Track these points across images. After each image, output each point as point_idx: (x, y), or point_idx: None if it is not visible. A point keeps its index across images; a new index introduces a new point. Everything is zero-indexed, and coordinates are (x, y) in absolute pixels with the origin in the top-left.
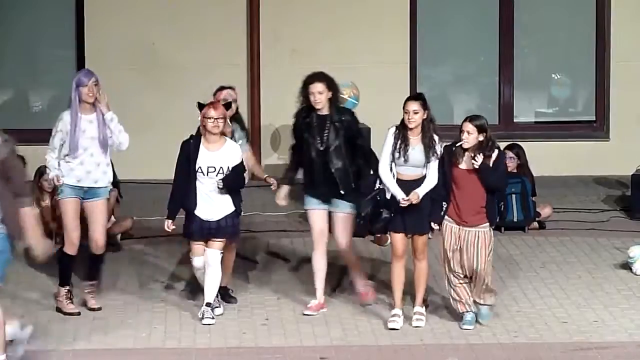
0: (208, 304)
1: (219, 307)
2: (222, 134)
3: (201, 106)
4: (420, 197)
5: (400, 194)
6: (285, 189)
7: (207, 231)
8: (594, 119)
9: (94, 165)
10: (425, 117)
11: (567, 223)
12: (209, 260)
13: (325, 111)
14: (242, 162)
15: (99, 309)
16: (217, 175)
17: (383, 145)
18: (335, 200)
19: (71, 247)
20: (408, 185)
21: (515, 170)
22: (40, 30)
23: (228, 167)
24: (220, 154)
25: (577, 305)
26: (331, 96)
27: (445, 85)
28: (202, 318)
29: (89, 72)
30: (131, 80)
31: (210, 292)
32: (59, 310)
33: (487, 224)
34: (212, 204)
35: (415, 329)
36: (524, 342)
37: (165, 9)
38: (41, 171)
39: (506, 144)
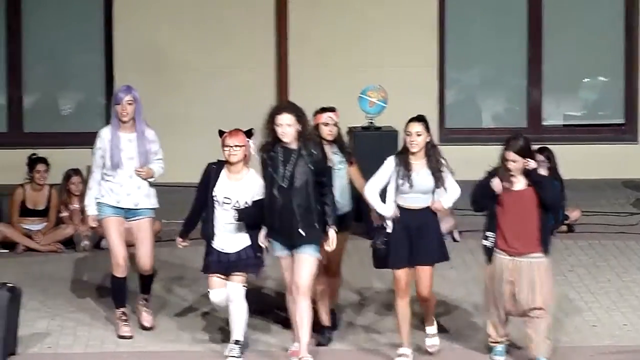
0: (236, 341)
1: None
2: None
3: (221, 133)
4: (445, 207)
5: (387, 211)
6: (265, 229)
7: (225, 264)
8: (623, 122)
9: (134, 187)
10: (428, 139)
11: (596, 226)
12: (231, 296)
13: (293, 145)
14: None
15: (151, 328)
16: (232, 208)
17: (382, 167)
18: (296, 243)
19: (118, 268)
20: (415, 215)
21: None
22: (70, 36)
23: (245, 202)
24: (240, 186)
25: (607, 309)
26: (300, 129)
27: (473, 88)
28: (227, 356)
29: (127, 89)
30: (158, 83)
31: (238, 328)
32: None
33: (542, 253)
34: (229, 235)
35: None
36: (554, 345)
37: (192, 13)
38: (69, 174)
39: (535, 147)
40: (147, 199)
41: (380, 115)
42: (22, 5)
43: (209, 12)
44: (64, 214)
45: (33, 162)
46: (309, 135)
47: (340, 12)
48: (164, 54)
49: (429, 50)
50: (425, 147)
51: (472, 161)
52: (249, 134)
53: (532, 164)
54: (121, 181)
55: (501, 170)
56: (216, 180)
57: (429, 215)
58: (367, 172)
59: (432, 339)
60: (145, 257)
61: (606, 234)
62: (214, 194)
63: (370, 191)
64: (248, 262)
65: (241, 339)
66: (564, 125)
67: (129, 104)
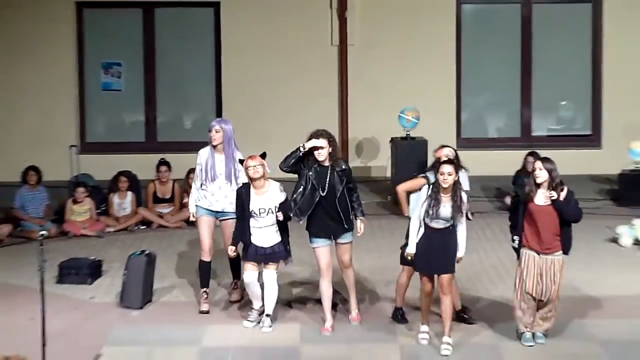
0: (267, 315)
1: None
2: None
3: (241, 161)
4: (462, 256)
5: (409, 250)
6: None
7: (262, 256)
8: (591, 133)
9: (222, 196)
10: (456, 178)
11: None
12: (266, 279)
13: (326, 163)
14: (286, 198)
15: (238, 301)
16: (267, 215)
17: (417, 199)
18: (340, 234)
19: (203, 254)
20: (437, 233)
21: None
22: (190, 72)
23: (275, 206)
24: (268, 196)
25: (578, 269)
26: (331, 151)
27: (481, 109)
28: (262, 326)
29: (218, 121)
30: (254, 108)
31: (269, 304)
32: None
33: (561, 251)
34: (264, 234)
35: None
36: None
37: (278, 57)
38: (189, 171)
39: (527, 151)
40: (231, 205)
41: (414, 129)
42: (156, 49)
43: (290, 56)
44: (186, 200)
45: (158, 165)
46: (337, 154)
47: (386, 57)
48: (257, 87)
49: (449, 83)
50: (452, 184)
51: (481, 161)
52: (263, 156)
53: (554, 196)
54: (212, 190)
55: (529, 185)
56: (248, 199)
57: (449, 234)
58: (405, 169)
59: (447, 349)
60: (228, 245)
61: None
62: (250, 209)
63: (413, 225)
64: (279, 254)
65: (271, 312)
66: (548, 136)
67: (216, 131)
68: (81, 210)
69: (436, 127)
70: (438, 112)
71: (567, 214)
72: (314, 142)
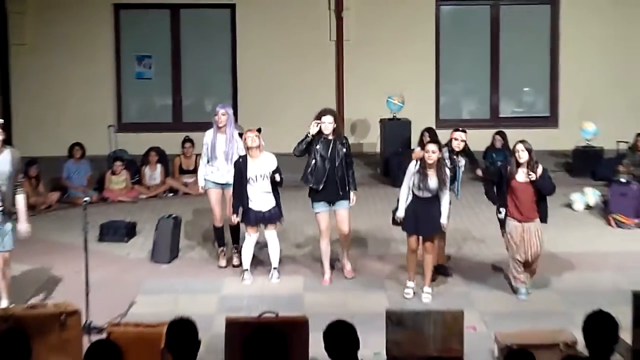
0: (275, 268)
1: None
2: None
3: (241, 135)
4: (445, 224)
5: (399, 214)
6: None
7: (260, 219)
8: (549, 115)
9: (225, 171)
10: (440, 156)
11: None
12: (269, 238)
13: (331, 137)
14: (278, 167)
15: (239, 265)
16: (263, 180)
17: (407, 171)
18: (338, 201)
19: (216, 221)
20: (423, 201)
21: (500, 147)
22: (210, 63)
23: (270, 171)
24: (262, 163)
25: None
26: (335, 126)
27: (457, 94)
28: (271, 278)
29: (223, 106)
30: (264, 94)
31: (275, 259)
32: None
33: (538, 218)
34: (262, 199)
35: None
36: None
37: (285, 51)
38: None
39: (495, 130)
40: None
41: (400, 111)
42: (181, 44)
43: (295, 50)
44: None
45: (183, 141)
46: (339, 130)
47: (377, 51)
48: (267, 76)
49: (430, 73)
50: (437, 161)
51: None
52: (259, 130)
53: (532, 177)
54: (218, 166)
55: (510, 166)
56: (246, 168)
57: (433, 203)
58: (392, 145)
59: (427, 298)
60: (228, 211)
61: None
62: (248, 177)
63: (403, 192)
64: (276, 216)
65: (277, 266)
66: (512, 117)
67: (223, 115)
68: (118, 180)
69: (418, 110)
70: (420, 97)
71: (544, 189)
72: (315, 123)
